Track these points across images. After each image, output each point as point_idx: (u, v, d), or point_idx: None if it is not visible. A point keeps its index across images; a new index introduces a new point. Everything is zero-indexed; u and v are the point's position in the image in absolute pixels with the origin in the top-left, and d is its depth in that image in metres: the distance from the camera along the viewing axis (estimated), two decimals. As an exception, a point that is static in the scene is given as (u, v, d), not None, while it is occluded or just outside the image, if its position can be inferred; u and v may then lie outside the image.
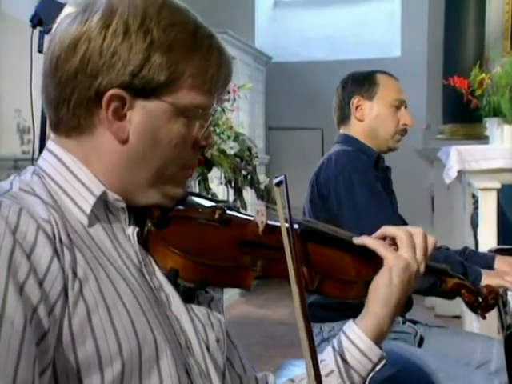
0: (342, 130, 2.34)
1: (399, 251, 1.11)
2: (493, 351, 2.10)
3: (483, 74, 4.57)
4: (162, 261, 1.01)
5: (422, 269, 1.13)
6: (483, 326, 3.50)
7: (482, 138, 5.07)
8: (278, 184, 1.07)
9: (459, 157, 4.16)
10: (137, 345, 0.90)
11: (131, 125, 0.98)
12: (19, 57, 3.37)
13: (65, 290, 0.87)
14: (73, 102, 0.97)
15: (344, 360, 1.09)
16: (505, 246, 2.43)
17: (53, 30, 1.01)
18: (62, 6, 3.26)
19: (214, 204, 1.14)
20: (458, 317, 4.61)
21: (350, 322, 1.12)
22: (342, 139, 2.31)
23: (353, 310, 2.08)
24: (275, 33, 7.19)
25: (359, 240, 1.15)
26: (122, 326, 0.90)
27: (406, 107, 2.33)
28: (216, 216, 1.09)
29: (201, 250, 1.02)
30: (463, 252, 2.26)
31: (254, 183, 4.28)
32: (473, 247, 3.41)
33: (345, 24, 7.05)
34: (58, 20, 1.03)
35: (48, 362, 0.85)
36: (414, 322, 2.26)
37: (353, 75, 2.34)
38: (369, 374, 1.10)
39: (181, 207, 1.10)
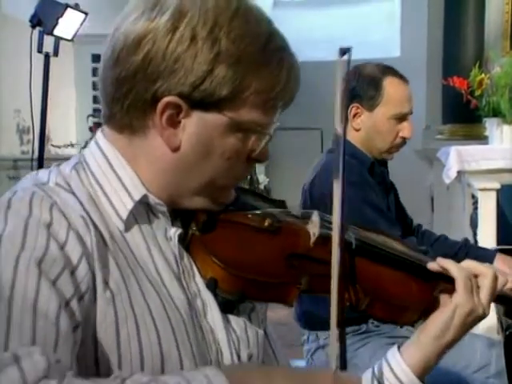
0: None
1: (467, 292, 1.05)
2: (492, 353, 2.09)
3: (483, 74, 4.57)
4: (202, 267, 0.97)
5: (488, 312, 1.08)
6: (483, 327, 3.50)
7: (482, 139, 5.06)
8: (344, 54, 0.93)
9: (459, 157, 4.16)
10: (160, 361, 0.88)
11: (184, 133, 0.93)
12: (19, 57, 3.37)
13: (92, 293, 0.86)
14: (128, 101, 0.93)
15: None
16: (504, 247, 2.43)
17: (117, 20, 0.95)
18: (61, 7, 3.26)
19: (265, 210, 1.06)
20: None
21: (395, 350, 1.07)
22: (336, 141, 2.24)
23: (348, 320, 2.08)
24: (275, 33, 7.18)
25: (442, 263, 1.08)
26: (149, 341, 0.88)
27: (410, 116, 2.20)
28: (265, 224, 1.02)
29: (244, 262, 0.97)
30: (464, 245, 2.21)
31: (253, 183, 4.28)
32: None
33: (344, 24, 7.05)
34: (124, 12, 0.96)
35: (75, 354, 0.83)
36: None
37: (360, 73, 2.18)
38: None
39: (230, 209, 1.04)
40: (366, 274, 1.03)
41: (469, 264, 1.09)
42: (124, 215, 0.93)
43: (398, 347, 1.08)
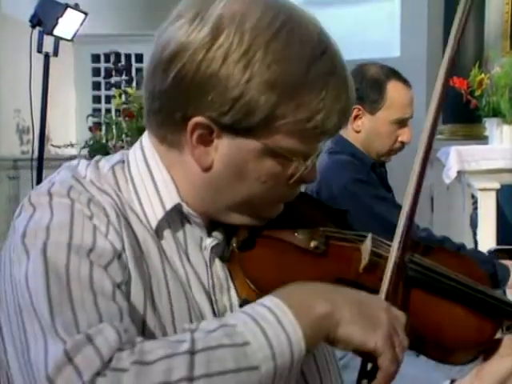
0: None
1: None
2: None
3: (483, 75, 4.57)
4: (238, 286, 0.93)
5: None
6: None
7: (482, 139, 5.06)
8: None
9: (459, 157, 4.16)
10: None
11: (216, 153, 0.90)
12: (19, 57, 3.37)
13: (128, 288, 0.86)
14: (161, 116, 0.92)
15: None
16: (504, 247, 2.43)
17: (164, 24, 0.92)
18: (61, 7, 3.26)
19: (315, 229, 0.97)
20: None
21: None
22: (337, 141, 2.20)
23: None
24: (275, 33, 7.18)
25: None
26: None
27: (410, 121, 2.19)
28: (311, 245, 0.95)
29: (283, 286, 0.88)
30: (460, 249, 2.20)
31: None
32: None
33: (344, 24, 7.05)
34: (172, 15, 0.92)
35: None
36: None
37: (363, 76, 2.15)
38: None
39: (279, 224, 0.96)
40: (418, 308, 0.93)
41: None
42: (154, 224, 0.92)
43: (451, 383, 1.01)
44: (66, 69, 5.25)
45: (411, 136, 2.18)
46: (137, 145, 0.99)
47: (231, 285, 0.95)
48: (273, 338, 0.77)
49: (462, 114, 5.17)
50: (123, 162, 0.97)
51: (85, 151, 4.85)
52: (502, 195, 3.73)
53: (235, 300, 0.95)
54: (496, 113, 4.45)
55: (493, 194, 3.61)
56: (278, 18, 0.87)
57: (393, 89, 2.14)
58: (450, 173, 4.18)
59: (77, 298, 0.79)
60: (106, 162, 0.96)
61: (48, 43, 3.32)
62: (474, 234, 3.70)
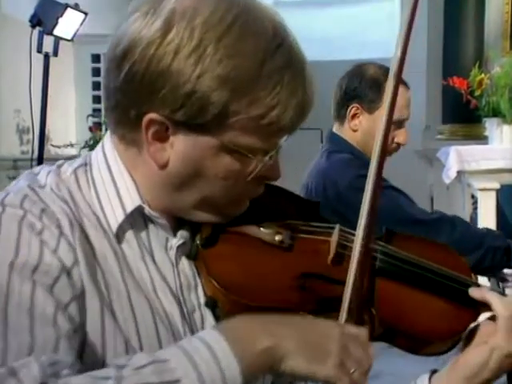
0: (336, 128, 2.24)
1: (509, 333, 0.93)
2: None
3: (482, 75, 4.57)
4: (204, 283, 0.92)
5: None
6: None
7: (482, 139, 5.06)
8: None
9: (458, 157, 4.16)
10: None
11: (172, 150, 0.88)
12: (18, 57, 3.36)
13: (82, 300, 0.84)
14: (117, 114, 0.90)
15: None
16: (504, 247, 2.43)
17: (120, 22, 0.91)
18: (61, 7, 3.26)
19: (281, 222, 0.95)
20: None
21: (426, 378, 1.01)
22: (335, 141, 2.21)
23: None
24: (275, 33, 7.18)
25: (486, 295, 0.95)
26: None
27: (406, 122, 2.19)
28: (276, 240, 0.93)
29: (245, 287, 0.89)
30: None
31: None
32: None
33: (344, 24, 7.05)
34: (128, 11, 0.90)
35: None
36: None
37: (362, 75, 2.15)
38: None
39: (244, 220, 0.94)
40: (390, 301, 0.91)
41: (506, 298, 0.97)
42: (114, 228, 0.91)
43: (431, 375, 1.02)
44: (65, 69, 5.25)
45: (407, 137, 2.18)
46: (99, 147, 0.97)
47: (199, 282, 0.94)
48: (206, 375, 0.74)
49: (462, 114, 5.17)
50: (86, 164, 0.95)
51: (85, 151, 4.86)
52: (501, 195, 3.73)
53: (203, 298, 0.94)
54: (496, 113, 4.45)
55: (493, 194, 3.61)
56: (231, 12, 0.85)
57: None
58: (450, 173, 4.18)
59: (12, 323, 0.77)
60: (68, 167, 0.95)
61: (48, 43, 3.32)
62: (474, 234, 3.70)
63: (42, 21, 3.17)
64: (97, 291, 0.85)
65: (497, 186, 3.65)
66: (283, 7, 7.44)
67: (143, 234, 0.93)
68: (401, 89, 2.17)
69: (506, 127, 4.45)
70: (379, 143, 0.84)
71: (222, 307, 0.90)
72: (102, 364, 0.83)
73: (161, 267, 0.92)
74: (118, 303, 0.87)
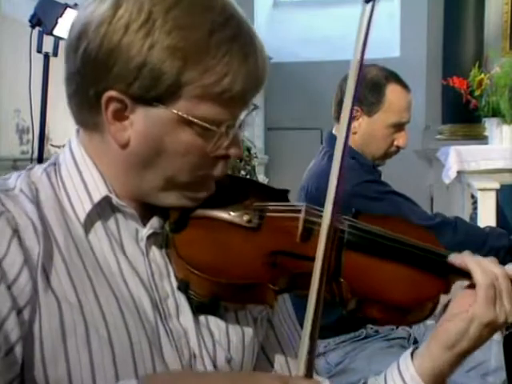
0: (336, 130, 2.21)
1: (488, 302, 0.93)
2: (488, 351, 2.09)
3: (482, 75, 4.57)
4: (175, 268, 0.93)
5: (510, 320, 0.95)
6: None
7: (481, 139, 5.07)
8: (368, 1, 0.85)
9: (458, 157, 4.16)
10: (113, 369, 0.86)
11: (132, 128, 0.89)
12: (18, 57, 3.37)
13: (33, 304, 0.84)
14: (78, 99, 0.92)
15: None
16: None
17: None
18: (60, 7, 3.26)
19: (247, 204, 0.97)
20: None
21: (408, 357, 1.00)
22: (332, 142, 2.12)
23: (347, 329, 2.05)
24: (274, 33, 7.18)
25: (466, 261, 0.95)
26: (100, 350, 0.85)
27: (407, 126, 2.17)
28: (244, 219, 0.95)
29: (216, 266, 0.90)
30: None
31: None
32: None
33: (344, 24, 7.05)
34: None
35: (16, 373, 0.82)
36: None
37: (364, 77, 2.10)
38: None
39: (211, 204, 0.96)
40: (357, 272, 0.92)
41: (483, 261, 0.96)
42: (82, 217, 0.91)
43: (412, 352, 1.01)
44: (65, 69, 5.23)
45: (407, 141, 2.17)
46: (66, 146, 0.98)
47: (171, 270, 0.94)
48: None
49: (462, 114, 5.18)
50: (54, 164, 0.97)
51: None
52: (501, 195, 3.73)
53: (175, 284, 0.94)
54: (496, 113, 4.46)
55: (492, 194, 3.61)
56: None
57: (392, 92, 2.12)
58: (450, 173, 4.18)
59: None
60: (39, 168, 0.96)
61: (48, 43, 3.32)
62: (474, 234, 3.70)
63: (42, 21, 3.17)
64: (57, 284, 0.85)
65: (497, 186, 3.65)
66: (283, 7, 7.44)
67: (112, 226, 0.93)
68: (402, 91, 2.17)
69: (505, 127, 4.45)
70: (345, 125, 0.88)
71: (194, 289, 0.90)
72: (65, 355, 0.83)
73: (131, 258, 0.93)
74: (83, 294, 0.87)
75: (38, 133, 3.32)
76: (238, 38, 0.89)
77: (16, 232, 0.85)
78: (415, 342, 2.19)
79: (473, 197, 3.92)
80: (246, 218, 0.95)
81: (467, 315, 0.93)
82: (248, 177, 4.25)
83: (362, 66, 0.82)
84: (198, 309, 0.93)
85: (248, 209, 0.96)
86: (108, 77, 0.87)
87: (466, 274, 0.94)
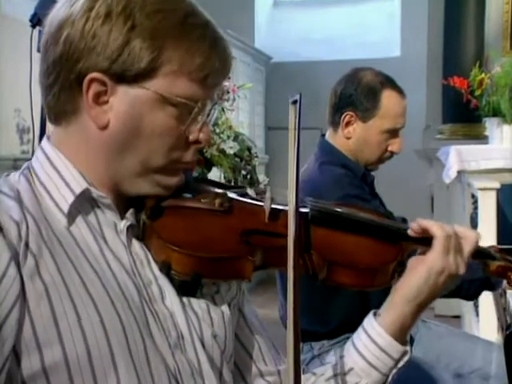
0: (329, 133, 2.18)
1: (444, 251, 1.04)
2: (489, 356, 2.09)
3: (483, 74, 4.58)
4: (155, 253, 0.98)
5: (463, 271, 1.05)
6: (483, 326, 3.50)
7: (482, 138, 5.07)
8: (294, 102, 0.97)
9: (459, 157, 4.16)
10: (108, 348, 0.88)
11: (112, 111, 0.95)
12: (19, 57, 3.36)
13: (23, 295, 0.85)
14: (58, 86, 0.96)
15: (363, 357, 1.05)
16: (504, 246, 2.42)
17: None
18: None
19: (216, 191, 1.07)
20: (458, 317, 4.61)
21: (371, 316, 1.07)
22: (327, 150, 2.15)
23: (341, 332, 2.04)
24: (275, 33, 7.18)
25: (422, 222, 1.06)
26: (92, 330, 0.88)
27: (401, 131, 2.14)
28: (216, 204, 1.03)
29: (195, 243, 0.97)
30: None
31: (253, 183, 4.27)
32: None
33: (344, 24, 7.05)
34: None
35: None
36: None
37: (358, 82, 2.10)
38: (391, 370, 1.06)
39: (182, 195, 1.04)
40: (324, 242, 1.02)
41: (455, 227, 1.07)
42: (65, 209, 0.94)
43: (374, 313, 1.08)
44: (66, 69, 5.23)
45: (401, 146, 2.14)
46: (37, 152, 1.02)
47: (151, 259, 0.98)
48: None
49: (462, 114, 5.18)
50: (28, 168, 1.00)
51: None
52: (502, 195, 3.73)
53: (157, 272, 0.98)
54: (496, 112, 4.46)
55: (493, 194, 3.61)
56: None
57: (387, 98, 2.09)
58: (450, 172, 4.19)
59: None
60: (15, 173, 1.00)
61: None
62: (474, 234, 3.70)
63: (43, 20, 3.18)
64: (44, 271, 0.88)
65: (497, 185, 3.65)
66: (283, 7, 7.45)
67: (93, 220, 0.97)
68: (397, 97, 2.15)
69: (506, 127, 4.46)
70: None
71: (175, 268, 0.95)
72: (59, 337, 0.86)
73: (113, 248, 0.96)
74: (70, 281, 0.89)
75: (38, 132, 3.32)
76: (209, 25, 0.98)
77: (1, 230, 0.87)
78: (410, 339, 2.19)
79: (473, 196, 3.92)
80: (217, 202, 1.03)
81: (425, 266, 1.03)
82: (249, 177, 4.26)
83: (298, 172, 0.94)
84: (180, 288, 0.98)
85: (218, 195, 1.04)
86: (91, 59, 0.93)
87: (415, 240, 1.07)
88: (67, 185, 0.96)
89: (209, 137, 1.01)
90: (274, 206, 1.04)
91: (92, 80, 0.93)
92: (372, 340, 1.05)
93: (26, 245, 0.88)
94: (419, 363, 1.99)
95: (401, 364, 1.06)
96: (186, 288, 0.98)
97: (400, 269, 1.06)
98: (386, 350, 1.04)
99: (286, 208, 0.97)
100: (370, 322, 1.07)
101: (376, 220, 1.10)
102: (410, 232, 1.07)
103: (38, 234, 0.90)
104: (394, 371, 1.06)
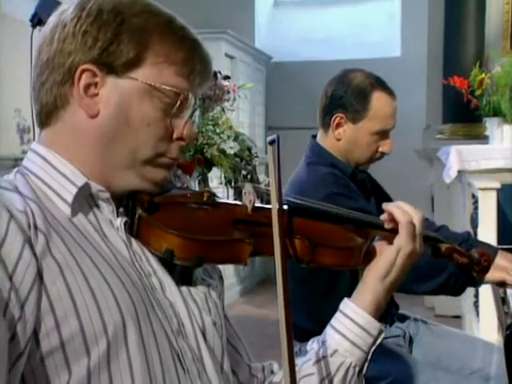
0: (320, 136, 2.19)
1: (408, 235, 1.15)
2: (489, 357, 2.09)
3: (483, 74, 4.58)
4: (156, 244, 1.01)
5: (421, 251, 1.18)
6: (483, 326, 3.50)
7: (482, 138, 5.07)
8: (271, 143, 1.04)
9: (459, 157, 4.17)
10: (121, 324, 0.92)
11: (102, 102, 1.00)
12: (19, 56, 3.37)
13: (39, 276, 0.88)
14: (50, 82, 1.01)
15: (345, 337, 1.12)
16: (504, 246, 2.43)
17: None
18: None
19: (200, 190, 1.15)
20: (458, 317, 4.61)
21: (346, 300, 1.15)
22: (316, 151, 2.16)
23: None
24: (275, 33, 7.18)
25: (388, 207, 1.18)
26: (105, 302, 0.91)
27: (392, 132, 2.15)
28: (205, 198, 1.10)
29: (195, 229, 1.02)
30: (466, 239, 2.16)
31: (254, 183, 4.27)
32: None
33: (345, 24, 7.05)
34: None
35: (21, 349, 0.85)
36: (404, 318, 2.24)
37: (349, 84, 2.11)
38: (371, 347, 1.13)
39: (171, 193, 1.11)
40: (303, 227, 1.12)
41: (402, 205, 1.19)
42: (69, 199, 0.98)
43: (348, 299, 1.16)
44: (66, 68, 5.22)
45: (392, 147, 2.14)
46: (29, 154, 1.05)
47: (147, 253, 1.02)
48: None
49: (463, 114, 5.17)
50: (21, 169, 1.03)
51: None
52: (502, 195, 3.73)
53: (156, 265, 1.02)
54: (496, 112, 4.46)
55: (493, 194, 3.61)
56: None
57: (377, 100, 2.09)
58: (451, 172, 4.19)
59: None
60: (8, 175, 1.03)
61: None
62: (475, 234, 3.70)
63: (43, 20, 3.17)
64: (57, 251, 0.91)
65: (497, 185, 3.65)
66: (284, 7, 7.45)
67: (92, 217, 1.00)
68: (387, 98, 2.14)
69: (506, 127, 4.46)
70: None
71: (178, 254, 0.99)
72: (75, 311, 0.89)
73: (113, 241, 1.00)
74: (81, 261, 0.92)
75: (38, 132, 3.33)
76: (189, 29, 1.06)
77: (10, 213, 0.89)
78: (410, 340, 2.19)
79: (473, 196, 3.92)
80: (205, 195, 1.11)
81: (394, 247, 1.14)
82: (249, 177, 4.26)
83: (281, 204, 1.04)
84: (184, 275, 1.04)
85: (203, 192, 1.12)
86: (81, 51, 0.99)
87: (377, 227, 1.19)
88: (68, 179, 1.00)
89: (192, 134, 1.07)
90: (256, 204, 1.12)
91: (83, 71, 0.99)
92: (352, 320, 1.13)
93: (35, 227, 0.90)
94: (419, 364, 1.99)
95: (378, 341, 1.14)
96: (186, 275, 1.05)
97: (367, 255, 1.17)
98: (366, 328, 1.12)
99: (267, 206, 1.08)
100: (346, 304, 1.15)
101: (344, 212, 1.23)
102: (382, 216, 1.19)
103: (44, 219, 0.93)
104: (373, 348, 1.14)
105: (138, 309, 0.94)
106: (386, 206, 1.20)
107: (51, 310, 0.88)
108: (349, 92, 2.09)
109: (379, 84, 2.12)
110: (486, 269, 1.32)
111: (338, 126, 2.11)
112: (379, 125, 2.10)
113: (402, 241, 1.14)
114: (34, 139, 3.38)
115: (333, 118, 2.11)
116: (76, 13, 1.01)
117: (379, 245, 1.17)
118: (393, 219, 1.17)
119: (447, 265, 1.92)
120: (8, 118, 3.66)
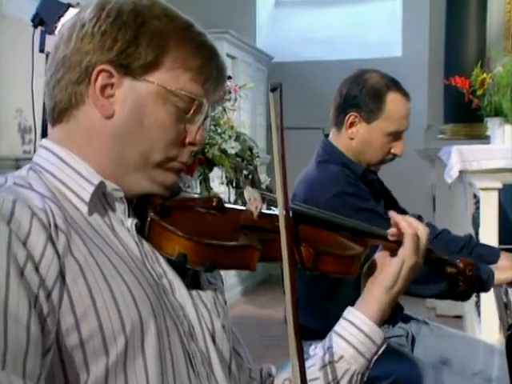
0: (332, 135, 2.19)
1: (413, 246, 1.16)
2: (491, 359, 2.09)
3: (484, 74, 4.57)
4: (168, 247, 1.01)
5: (422, 261, 1.20)
6: (485, 326, 3.50)
7: (484, 138, 5.06)
8: (273, 90, 1.03)
9: (460, 157, 4.16)
10: (139, 323, 0.92)
11: (117, 103, 1.00)
12: (20, 57, 3.37)
13: (61, 274, 0.88)
14: (66, 79, 1.01)
15: (351, 345, 1.13)
16: (506, 246, 2.43)
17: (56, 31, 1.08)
18: (63, 6, 3.26)
19: (208, 195, 1.14)
20: (459, 317, 4.61)
21: (350, 308, 1.17)
22: (327, 149, 2.16)
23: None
24: (276, 33, 7.19)
25: (395, 217, 1.19)
26: (124, 302, 0.91)
27: (404, 134, 2.15)
28: (214, 203, 1.11)
29: (206, 233, 1.03)
30: (468, 242, 2.17)
31: (255, 183, 4.27)
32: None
33: (346, 24, 7.05)
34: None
35: (49, 344, 0.85)
36: (408, 319, 2.24)
37: (364, 84, 2.11)
38: (373, 356, 1.14)
39: (181, 197, 1.12)
40: (307, 235, 1.13)
41: (408, 218, 1.19)
42: (87, 198, 0.97)
43: (351, 307, 1.17)
44: (67, 68, 5.22)
45: (404, 149, 2.15)
46: (40, 151, 1.04)
47: (158, 255, 1.02)
48: None
49: (464, 114, 5.17)
50: (34, 165, 1.02)
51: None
52: (503, 195, 3.73)
53: (165, 266, 1.02)
54: (498, 112, 4.46)
55: (495, 194, 3.61)
56: None
57: (392, 101, 2.10)
58: (452, 172, 4.18)
59: None
60: (20, 171, 1.01)
61: (50, 43, 3.32)
62: (476, 234, 3.70)
63: (44, 21, 3.17)
64: (77, 251, 0.90)
65: (499, 185, 3.65)
66: (285, 7, 7.45)
67: (106, 217, 1.00)
68: (402, 100, 2.14)
69: (507, 127, 4.46)
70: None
71: (191, 258, 1.00)
72: (95, 310, 0.88)
73: (126, 243, 1.00)
74: (99, 259, 0.92)
75: (40, 132, 3.33)
76: (208, 36, 1.06)
77: (32, 210, 0.88)
78: (412, 340, 2.19)
79: (475, 196, 3.92)
80: (214, 202, 1.12)
81: (399, 258, 1.16)
82: (250, 177, 4.26)
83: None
84: (195, 279, 1.06)
85: (212, 196, 1.14)
86: (99, 52, 0.99)
87: (377, 236, 1.21)
88: (84, 178, 0.99)
89: (203, 140, 1.07)
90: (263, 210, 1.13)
91: (100, 71, 0.99)
92: (358, 328, 1.14)
93: (56, 226, 0.90)
94: (421, 365, 1.99)
95: (380, 351, 1.15)
96: (196, 278, 1.06)
97: (366, 262, 1.19)
98: (371, 336, 1.14)
99: (274, 212, 1.09)
100: (352, 314, 1.16)
101: (345, 221, 1.23)
102: (389, 231, 1.19)
103: (64, 219, 0.92)
104: (375, 357, 1.15)
105: (155, 309, 0.95)
106: (392, 214, 1.21)
107: (71, 308, 0.88)
108: (364, 92, 2.10)
109: (394, 85, 2.13)
110: (470, 278, 1.32)
111: (352, 124, 2.11)
112: (393, 126, 2.11)
113: (406, 252, 1.15)
114: (35, 139, 3.38)
115: (347, 117, 2.11)
116: (95, 12, 1.00)
117: (381, 256, 1.19)
118: (398, 231, 1.18)
119: None
120: (9, 118, 3.66)
